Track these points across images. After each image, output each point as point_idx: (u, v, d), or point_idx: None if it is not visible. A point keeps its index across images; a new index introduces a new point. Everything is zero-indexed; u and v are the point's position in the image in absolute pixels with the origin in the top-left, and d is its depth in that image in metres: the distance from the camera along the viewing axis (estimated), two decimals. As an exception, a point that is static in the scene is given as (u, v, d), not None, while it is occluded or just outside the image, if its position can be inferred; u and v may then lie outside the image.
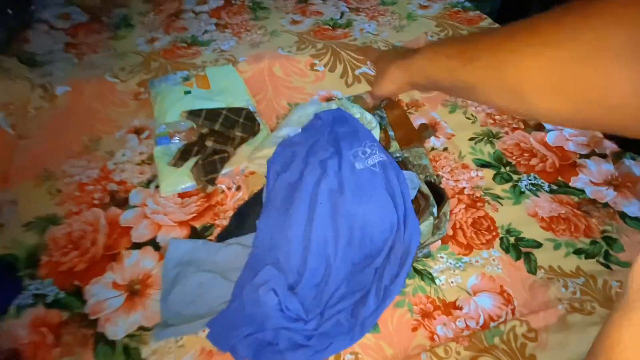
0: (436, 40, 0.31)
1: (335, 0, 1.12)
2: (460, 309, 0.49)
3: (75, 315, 0.48)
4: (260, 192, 0.60)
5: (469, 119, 0.75)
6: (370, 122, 0.62)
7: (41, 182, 0.64)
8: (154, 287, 0.51)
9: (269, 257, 0.48)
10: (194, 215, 0.59)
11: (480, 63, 0.27)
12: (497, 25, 0.98)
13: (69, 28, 1.02)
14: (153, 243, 0.56)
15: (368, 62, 0.46)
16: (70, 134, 0.72)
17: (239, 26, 1.02)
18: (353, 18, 1.04)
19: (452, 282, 0.51)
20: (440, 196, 0.56)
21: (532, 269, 0.53)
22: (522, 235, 0.57)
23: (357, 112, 0.64)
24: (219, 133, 0.68)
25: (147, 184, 0.63)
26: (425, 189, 0.55)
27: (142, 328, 0.47)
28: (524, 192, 0.62)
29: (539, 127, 0.73)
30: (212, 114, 0.70)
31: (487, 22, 1.00)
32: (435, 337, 0.47)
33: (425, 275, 0.52)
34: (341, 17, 1.04)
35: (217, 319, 0.45)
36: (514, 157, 0.68)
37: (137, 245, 0.55)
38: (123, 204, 0.61)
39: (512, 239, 0.56)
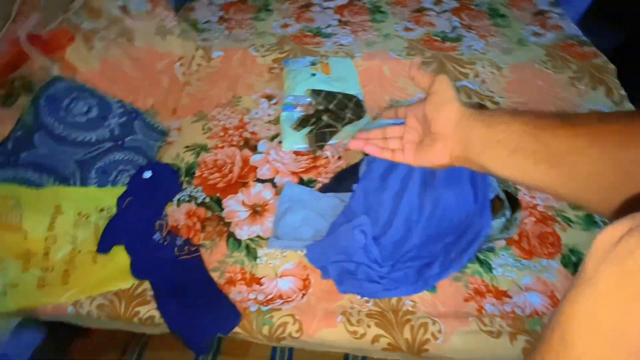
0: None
1: (450, 14, 1.20)
2: (510, 297, 0.57)
3: (215, 216, 0.67)
4: (357, 164, 0.74)
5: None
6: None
7: (198, 120, 0.85)
8: (270, 212, 0.68)
9: (362, 210, 0.61)
10: (303, 169, 0.75)
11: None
12: (611, 65, 0.98)
13: (223, 4, 1.26)
14: (272, 182, 0.73)
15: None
16: (220, 89, 0.93)
17: (358, 25, 1.17)
18: (463, 34, 1.11)
19: (507, 276, 0.60)
20: (515, 204, 0.64)
21: (587, 287, 0.59)
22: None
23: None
24: (333, 112, 0.83)
25: (272, 139, 0.81)
26: (502, 196, 0.64)
27: (259, 237, 0.65)
28: (596, 222, 0.66)
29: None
30: (330, 96, 0.85)
31: (601, 59, 1.00)
32: (484, 311, 0.56)
33: (485, 265, 0.61)
34: (452, 31, 1.13)
35: (316, 244, 0.60)
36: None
37: (261, 181, 0.73)
38: (253, 149, 0.79)
39: (574, 258, 0.62)
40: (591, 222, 0.67)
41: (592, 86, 0.94)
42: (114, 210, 0.65)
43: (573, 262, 0.62)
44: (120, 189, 0.66)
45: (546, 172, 0.27)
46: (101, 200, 0.64)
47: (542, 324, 0.54)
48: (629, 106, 0.88)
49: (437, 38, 1.10)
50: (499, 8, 1.22)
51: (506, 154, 0.28)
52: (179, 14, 1.18)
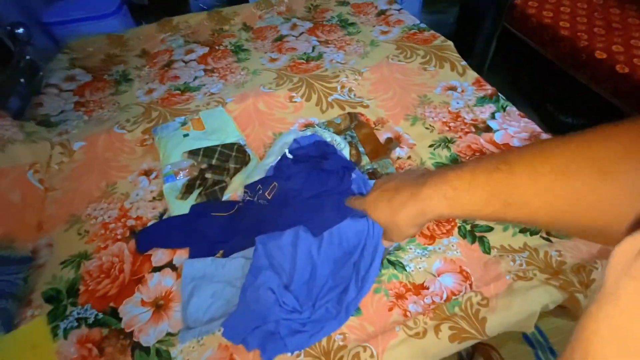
0: (439, 173, 0.35)
1: (307, 35, 1.26)
2: (427, 288, 0.59)
3: (113, 331, 0.59)
4: (255, 212, 0.72)
5: (427, 128, 0.87)
6: (339, 143, 0.74)
7: (70, 226, 0.75)
8: (175, 300, 0.62)
9: (266, 264, 0.59)
10: (202, 238, 0.70)
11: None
12: (449, 42, 1.11)
13: (76, 89, 1.17)
14: (170, 265, 0.67)
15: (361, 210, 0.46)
16: (90, 182, 0.84)
17: (224, 69, 1.16)
18: (323, 50, 1.18)
19: (420, 268, 0.62)
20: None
21: (487, 249, 0.64)
22: (476, 223, 0.68)
23: (328, 136, 0.76)
24: (216, 166, 0.80)
25: (160, 217, 0.75)
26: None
27: (169, 334, 0.58)
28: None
29: (487, 129, 0.85)
30: (208, 151, 0.82)
31: (440, 39, 1.13)
32: (408, 313, 0.57)
33: (398, 265, 0.63)
34: (313, 51, 1.18)
35: (230, 319, 0.55)
36: (467, 157, 0.80)
37: (157, 269, 0.66)
38: (142, 236, 0.72)
39: (468, 227, 0.67)
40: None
41: (440, 65, 1.05)
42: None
43: (468, 230, 0.67)
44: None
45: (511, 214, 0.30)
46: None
47: (458, 303, 0.57)
48: (472, 74, 1.00)
49: (302, 60, 1.15)
50: (347, 18, 1.32)
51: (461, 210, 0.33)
52: (26, 114, 1.06)
